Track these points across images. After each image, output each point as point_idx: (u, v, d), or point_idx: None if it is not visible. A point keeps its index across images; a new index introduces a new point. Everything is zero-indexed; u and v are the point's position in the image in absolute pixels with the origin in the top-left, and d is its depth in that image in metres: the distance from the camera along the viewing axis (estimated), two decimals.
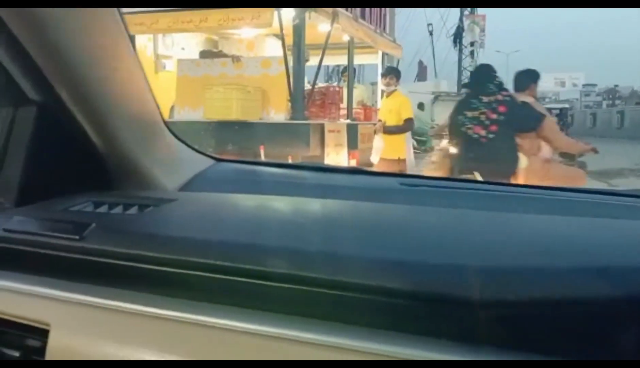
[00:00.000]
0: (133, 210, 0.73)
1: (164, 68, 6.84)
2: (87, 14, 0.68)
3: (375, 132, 5.14)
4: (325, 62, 6.41)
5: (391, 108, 5.09)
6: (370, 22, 7.05)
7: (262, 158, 4.82)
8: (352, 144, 5.80)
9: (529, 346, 0.49)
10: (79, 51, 0.68)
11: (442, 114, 13.85)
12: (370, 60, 8.37)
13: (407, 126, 5.12)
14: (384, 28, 7.70)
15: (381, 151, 5.02)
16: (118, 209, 0.73)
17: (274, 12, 5.03)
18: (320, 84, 6.13)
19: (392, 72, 5.26)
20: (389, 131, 5.07)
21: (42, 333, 0.60)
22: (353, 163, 5.67)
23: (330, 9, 5.42)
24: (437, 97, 14.18)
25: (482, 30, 22.82)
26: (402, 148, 5.21)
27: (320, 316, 0.55)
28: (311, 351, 0.52)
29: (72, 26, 0.66)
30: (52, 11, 0.64)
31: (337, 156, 5.50)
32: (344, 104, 6.61)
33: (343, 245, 0.61)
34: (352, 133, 5.89)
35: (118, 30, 0.72)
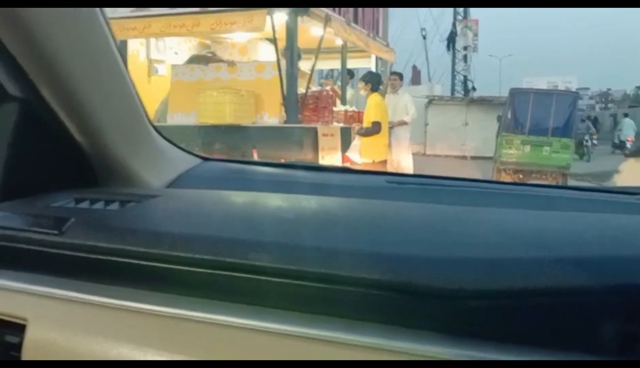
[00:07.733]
0: (114, 206, 0.73)
1: (156, 72, 6.83)
2: (67, 12, 0.67)
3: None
4: (319, 67, 6.39)
5: (366, 112, 5.36)
6: (363, 27, 7.04)
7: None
8: (346, 147, 5.79)
9: (517, 336, 0.50)
10: (58, 48, 0.67)
11: (435, 117, 14.13)
12: (363, 64, 8.37)
13: (372, 128, 5.25)
14: (377, 32, 7.70)
15: (358, 150, 5.31)
16: (99, 205, 0.73)
17: (267, 16, 5.02)
18: (314, 88, 6.12)
19: (363, 79, 5.57)
20: (358, 133, 5.33)
21: (19, 329, 0.60)
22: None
23: (322, 13, 5.41)
24: (430, 101, 14.38)
25: (475, 34, 22.91)
26: (379, 150, 5.36)
27: (309, 310, 0.55)
28: (301, 344, 0.52)
29: (53, 23, 0.66)
30: (31, 8, 0.64)
31: (331, 159, 5.49)
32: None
33: (331, 239, 0.61)
34: (346, 137, 5.89)
35: (99, 29, 0.72)
